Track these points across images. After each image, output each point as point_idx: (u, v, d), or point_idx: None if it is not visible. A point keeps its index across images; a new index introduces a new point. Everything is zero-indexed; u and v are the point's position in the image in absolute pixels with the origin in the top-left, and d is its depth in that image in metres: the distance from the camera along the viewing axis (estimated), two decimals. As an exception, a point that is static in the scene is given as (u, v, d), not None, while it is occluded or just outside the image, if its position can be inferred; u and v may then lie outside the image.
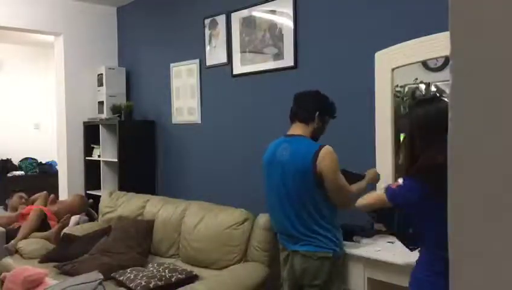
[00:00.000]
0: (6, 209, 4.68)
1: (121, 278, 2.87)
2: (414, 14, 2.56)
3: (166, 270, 2.90)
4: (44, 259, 3.40)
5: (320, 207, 2.20)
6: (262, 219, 3.01)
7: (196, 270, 3.03)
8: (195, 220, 3.31)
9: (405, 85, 2.68)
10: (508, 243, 0.51)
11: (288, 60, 3.22)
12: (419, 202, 1.68)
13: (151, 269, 2.97)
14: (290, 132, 2.33)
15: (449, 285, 0.56)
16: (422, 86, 2.66)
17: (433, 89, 2.61)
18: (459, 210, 0.56)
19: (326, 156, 2.15)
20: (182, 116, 4.19)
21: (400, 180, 1.78)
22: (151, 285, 2.73)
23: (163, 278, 2.80)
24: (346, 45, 2.90)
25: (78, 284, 2.57)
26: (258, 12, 3.43)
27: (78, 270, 2.98)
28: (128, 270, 2.97)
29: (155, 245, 3.50)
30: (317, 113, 2.28)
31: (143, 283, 2.74)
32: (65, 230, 3.81)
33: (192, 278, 2.90)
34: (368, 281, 2.29)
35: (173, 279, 2.81)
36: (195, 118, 4.04)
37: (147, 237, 3.48)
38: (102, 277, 2.68)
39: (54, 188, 4.73)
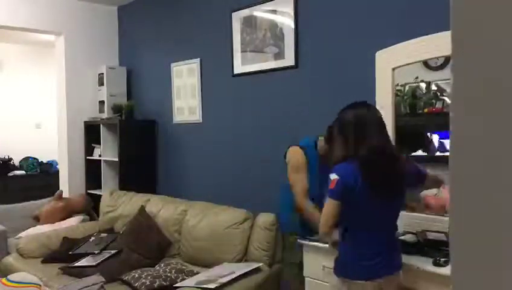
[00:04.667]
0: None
1: (126, 277, 2.87)
2: (414, 14, 2.56)
3: (173, 271, 2.90)
4: (48, 259, 3.39)
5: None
6: (262, 218, 3.01)
7: (196, 270, 3.03)
8: (195, 219, 3.31)
9: (405, 84, 2.68)
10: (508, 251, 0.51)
11: (289, 60, 3.21)
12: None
13: (158, 268, 2.97)
14: None
15: None
16: (423, 85, 2.66)
17: (433, 87, 2.61)
18: (459, 211, 0.56)
19: (288, 154, 2.59)
20: (183, 116, 4.19)
21: (332, 177, 1.91)
22: (155, 284, 2.72)
23: (169, 278, 2.80)
24: (346, 44, 2.90)
25: (79, 289, 2.56)
26: (259, 12, 3.43)
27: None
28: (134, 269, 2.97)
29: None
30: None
31: (147, 282, 2.73)
32: (67, 231, 3.80)
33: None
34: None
35: (178, 280, 2.81)
36: (196, 117, 4.04)
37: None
38: (103, 279, 2.68)
39: (54, 188, 4.73)
